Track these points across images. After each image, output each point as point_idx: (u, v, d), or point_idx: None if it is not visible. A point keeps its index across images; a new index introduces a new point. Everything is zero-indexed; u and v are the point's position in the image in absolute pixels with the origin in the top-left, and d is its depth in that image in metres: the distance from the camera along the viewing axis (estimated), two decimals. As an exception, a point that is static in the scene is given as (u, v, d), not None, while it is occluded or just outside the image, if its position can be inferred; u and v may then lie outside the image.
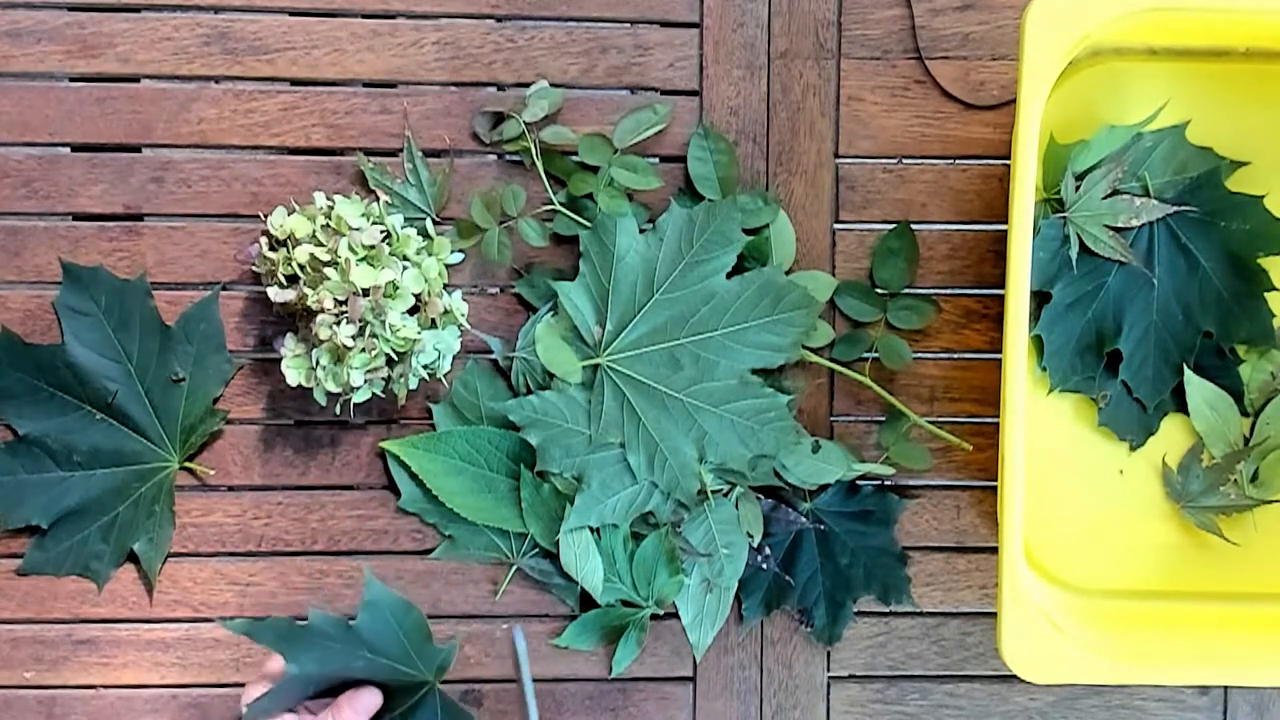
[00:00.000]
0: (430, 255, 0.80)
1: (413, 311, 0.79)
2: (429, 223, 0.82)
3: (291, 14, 0.82)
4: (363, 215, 0.78)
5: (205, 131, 0.82)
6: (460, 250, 0.83)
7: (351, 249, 0.76)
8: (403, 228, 0.79)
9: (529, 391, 0.82)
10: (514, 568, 0.84)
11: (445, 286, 0.81)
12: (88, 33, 0.82)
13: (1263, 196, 0.81)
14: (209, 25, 0.82)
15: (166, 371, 0.81)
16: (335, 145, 0.83)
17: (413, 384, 0.80)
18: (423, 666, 0.73)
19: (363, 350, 0.76)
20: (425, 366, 0.79)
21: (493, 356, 0.84)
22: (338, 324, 0.75)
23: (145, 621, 0.84)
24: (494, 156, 0.84)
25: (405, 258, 0.78)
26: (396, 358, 0.78)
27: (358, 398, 0.78)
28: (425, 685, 0.73)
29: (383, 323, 0.76)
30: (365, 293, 0.75)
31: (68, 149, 0.82)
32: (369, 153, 0.83)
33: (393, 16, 0.83)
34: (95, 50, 0.82)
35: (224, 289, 0.83)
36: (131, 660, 0.84)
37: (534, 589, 0.85)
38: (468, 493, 0.82)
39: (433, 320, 0.79)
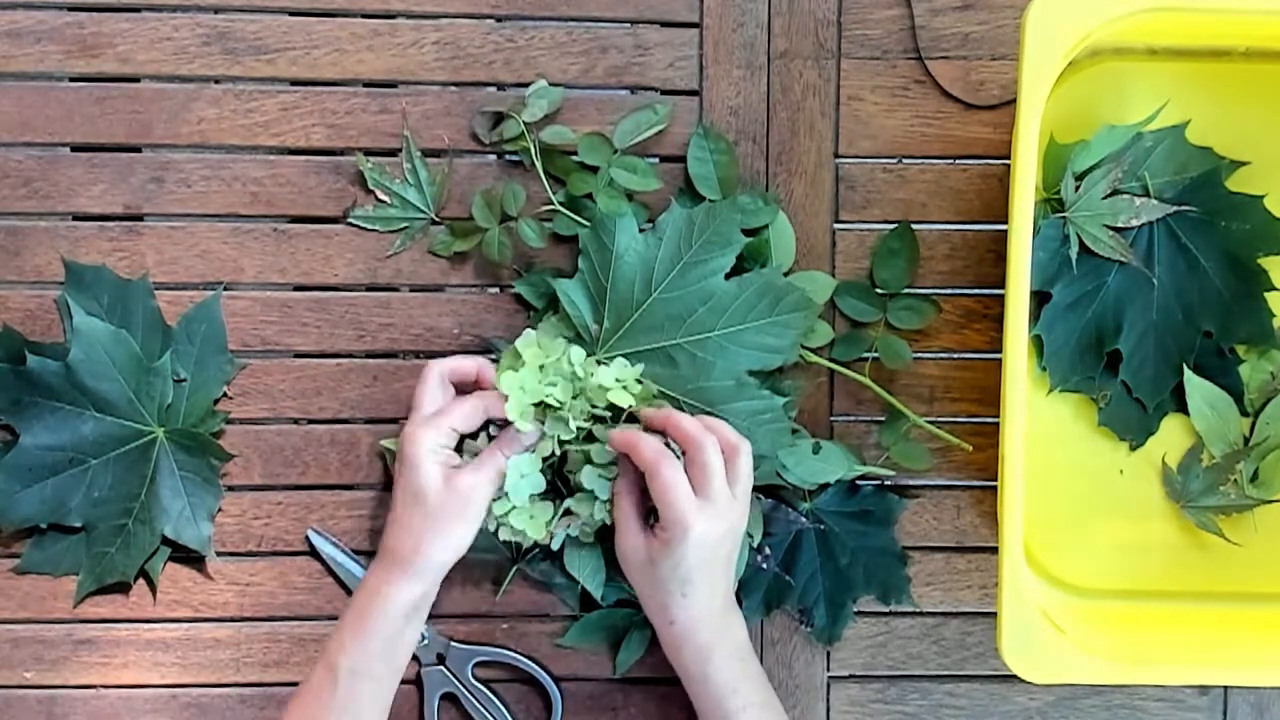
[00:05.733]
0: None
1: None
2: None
3: (291, 14, 0.82)
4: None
5: (205, 131, 0.83)
6: (460, 251, 0.83)
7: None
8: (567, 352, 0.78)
9: (529, 391, 0.82)
10: (515, 568, 0.84)
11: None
12: (88, 33, 0.82)
13: (1263, 196, 0.81)
14: (209, 25, 0.82)
15: (168, 372, 0.81)
16: (335, 145, 0.83)
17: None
18: (147, 414, 0.70)
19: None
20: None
21: (493, 357, 0.84)
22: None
23: (145, 621, 0.84)
24: (494, 156, 0.84)
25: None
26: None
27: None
28: (151, 437, 0.72)
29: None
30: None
31: (68, 149, 0.82)
32: (369, 152, 0.83)
33: (393, 16, 0.83)
34: (95, 50, 0.82)
35: (225, 289, 0.83)
36: (131, 660, 0.84)
37: (535, 589, 0.85)
38: (467, 493, 0.82)
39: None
